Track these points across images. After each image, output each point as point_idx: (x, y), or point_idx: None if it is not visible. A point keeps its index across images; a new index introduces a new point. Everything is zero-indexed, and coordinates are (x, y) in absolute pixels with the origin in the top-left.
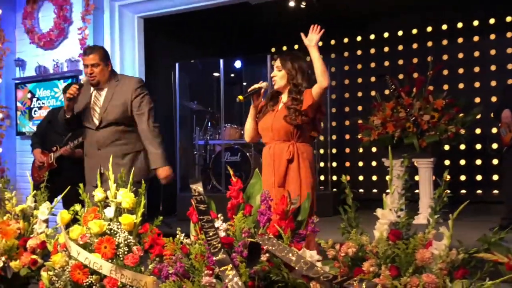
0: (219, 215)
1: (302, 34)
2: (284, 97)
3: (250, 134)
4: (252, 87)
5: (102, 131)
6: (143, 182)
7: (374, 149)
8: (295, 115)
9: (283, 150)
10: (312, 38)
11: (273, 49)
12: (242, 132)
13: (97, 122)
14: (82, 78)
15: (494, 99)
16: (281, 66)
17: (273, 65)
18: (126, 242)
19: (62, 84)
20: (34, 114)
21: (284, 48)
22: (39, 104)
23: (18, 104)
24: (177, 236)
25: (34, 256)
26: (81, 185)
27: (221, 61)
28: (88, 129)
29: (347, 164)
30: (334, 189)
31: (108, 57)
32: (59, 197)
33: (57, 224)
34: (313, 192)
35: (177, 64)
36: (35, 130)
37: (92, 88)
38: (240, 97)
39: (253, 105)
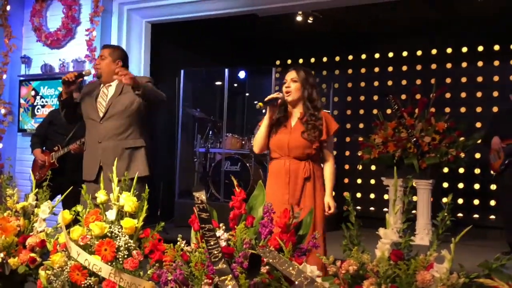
0: (220, 225)
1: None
2: (297, 112)
3: (260, 145)
4: (270, 96)
5: (105, 123)
6: (146, 187)
7: (373, 167)
8: (313, 131)
9: (299, 168)
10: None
11: (277, 62)
12: (243, 142)
13: (101, 114)
14: (86, 70)
15: None
16: (297, 77)
17: (276, 77)
18: (126, 246)
19: None
20: (37, 112)
21: (289, 61)
22: (42, 102)
23: (21, 101)
24: (178, 243)
25: (33, 254)
26: (84, 186)
27: (226, 70)
28: (91, 121)
29: (346, 180)
30: None
31: (118, 55)
32: (61, 197)
33: (57, 224)
34: (324, 212)
35: (182, 71)
36: (35, 130)
37: (101, 85)
38: (260, 104)
39: (268, 115)
